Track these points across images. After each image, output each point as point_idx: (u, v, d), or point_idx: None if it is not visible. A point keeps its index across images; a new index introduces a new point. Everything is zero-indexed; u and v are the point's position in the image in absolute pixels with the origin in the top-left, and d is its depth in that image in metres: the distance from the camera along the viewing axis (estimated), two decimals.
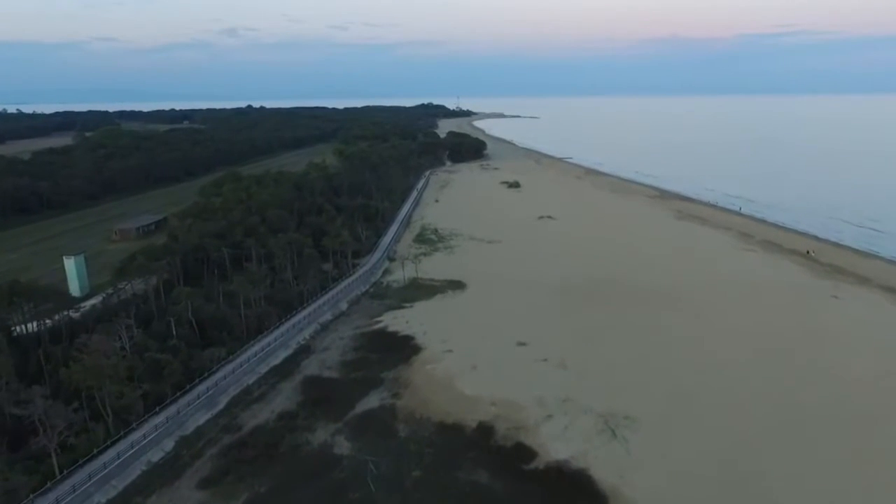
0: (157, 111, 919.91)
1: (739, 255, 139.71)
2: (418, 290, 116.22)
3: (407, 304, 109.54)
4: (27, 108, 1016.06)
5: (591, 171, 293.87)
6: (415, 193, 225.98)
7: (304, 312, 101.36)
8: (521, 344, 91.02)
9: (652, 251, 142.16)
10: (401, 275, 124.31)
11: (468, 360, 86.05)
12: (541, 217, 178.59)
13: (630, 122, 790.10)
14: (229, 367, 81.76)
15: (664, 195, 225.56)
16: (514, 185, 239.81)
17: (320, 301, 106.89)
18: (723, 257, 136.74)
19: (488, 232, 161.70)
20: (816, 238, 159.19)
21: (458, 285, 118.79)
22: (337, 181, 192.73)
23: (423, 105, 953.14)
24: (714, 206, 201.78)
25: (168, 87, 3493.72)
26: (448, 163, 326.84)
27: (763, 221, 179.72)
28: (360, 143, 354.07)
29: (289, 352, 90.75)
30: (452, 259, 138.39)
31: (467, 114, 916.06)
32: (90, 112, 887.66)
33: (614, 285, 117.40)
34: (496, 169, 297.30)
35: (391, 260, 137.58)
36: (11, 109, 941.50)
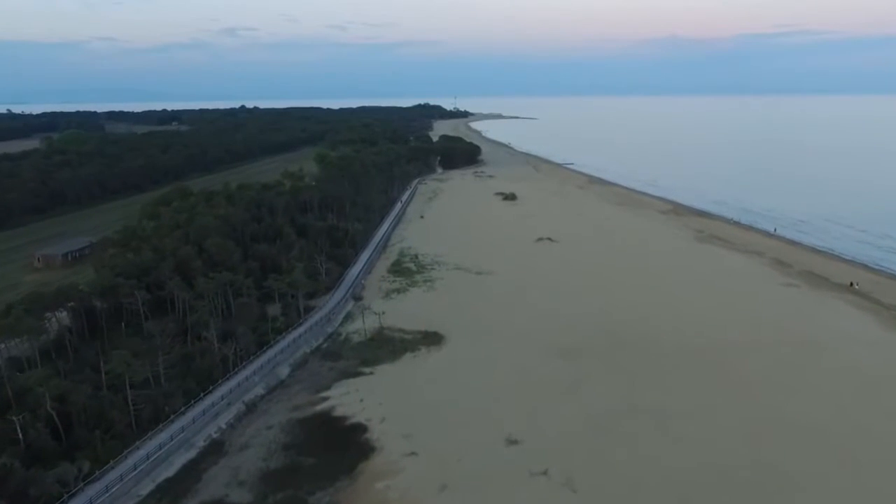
0: (148, 112, 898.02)
1: (781, 292, 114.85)
2: (383, 347, 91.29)
3: (366, 370, 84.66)
4: (26, 108, 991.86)
5: (594, 180, 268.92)
6: (398, 207, 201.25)
7: (226, 388, 76.43)
8: (512, 442, 66.19)
9: (675, 287, 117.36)
10: (366, 322, 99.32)
11: (437, 473, 61.27)
12: (539, 239, 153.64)
13: (631, 124, 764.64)
14: (91, 490, 56.92)
15: (678, 209, 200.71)
16: (510, 197, 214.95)
17: (252, 367, 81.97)
18: (763, 297, 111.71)
19: (477, 259, 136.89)
20: (866, 267, 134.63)
21: (433, 339, 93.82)
22: (307, 195, 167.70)
23: (419, 106, 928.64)
24: (738, 224, 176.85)
25: (166, 86, 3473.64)
26: (439, 170, 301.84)
27: (796, 244, 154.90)
28: (346, 148, 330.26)
29: (191, 454, 65.83)
30: (431, 298, 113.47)
31: (464, 114, 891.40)
32: (78, 113, 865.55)
33: (632, 340, 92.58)
34: (491, 177, 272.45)
35: (357, 299, 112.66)
36: (3, 109, 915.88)
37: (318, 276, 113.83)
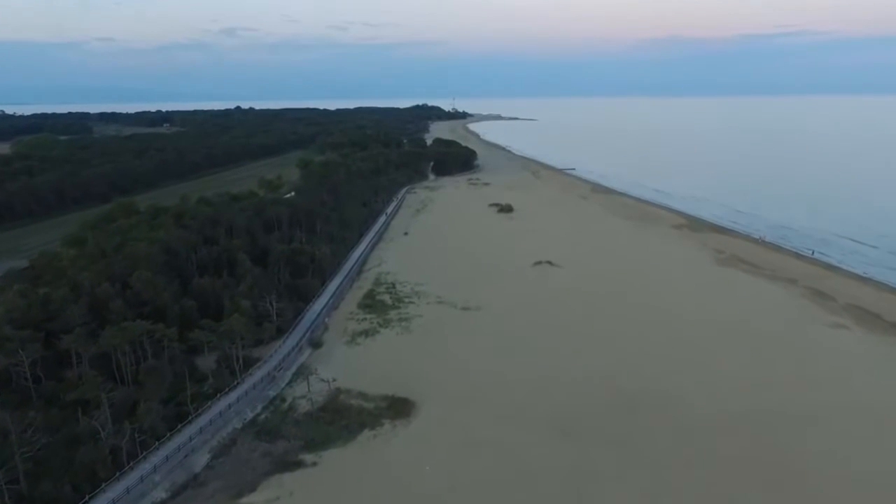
0: (140, 113, 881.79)
1: (829, 337, 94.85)
2: (335, 421, 71.22)
3: (308, 458, 64.80)
4: (21, 109, 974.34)
5: (598, 189, 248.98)
6: (382, 220, 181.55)
7: (110, 494, 56.65)
8: None
9: (698, 329, 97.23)
10: (317, 382, 79.66)
11: None
12: (538, 262, 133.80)
13: (632, 125, 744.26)
14: None
15: (692, 224, 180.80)
16: (506, 209, 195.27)
17: (154, 459, 62.16)
18: (808, 344, 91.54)
19: (465, 288, 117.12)
20: None
21: (401, 408, 73.97)
22: (274, 211, 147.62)
23: (417, 106, 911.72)
24: (762, 243, 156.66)
25: (165, 87, 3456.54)
26: (432, 176, 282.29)
27: (832, 269, 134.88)
28: (333, 153, 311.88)
29: None
30: (405, 344, 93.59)
31: (463, 116, 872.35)
32: (69, 114, 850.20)
33: (651, 406, 72.92)
34: (486, 185, 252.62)
35: (315, 346, 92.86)
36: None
37: (267, 318, 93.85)
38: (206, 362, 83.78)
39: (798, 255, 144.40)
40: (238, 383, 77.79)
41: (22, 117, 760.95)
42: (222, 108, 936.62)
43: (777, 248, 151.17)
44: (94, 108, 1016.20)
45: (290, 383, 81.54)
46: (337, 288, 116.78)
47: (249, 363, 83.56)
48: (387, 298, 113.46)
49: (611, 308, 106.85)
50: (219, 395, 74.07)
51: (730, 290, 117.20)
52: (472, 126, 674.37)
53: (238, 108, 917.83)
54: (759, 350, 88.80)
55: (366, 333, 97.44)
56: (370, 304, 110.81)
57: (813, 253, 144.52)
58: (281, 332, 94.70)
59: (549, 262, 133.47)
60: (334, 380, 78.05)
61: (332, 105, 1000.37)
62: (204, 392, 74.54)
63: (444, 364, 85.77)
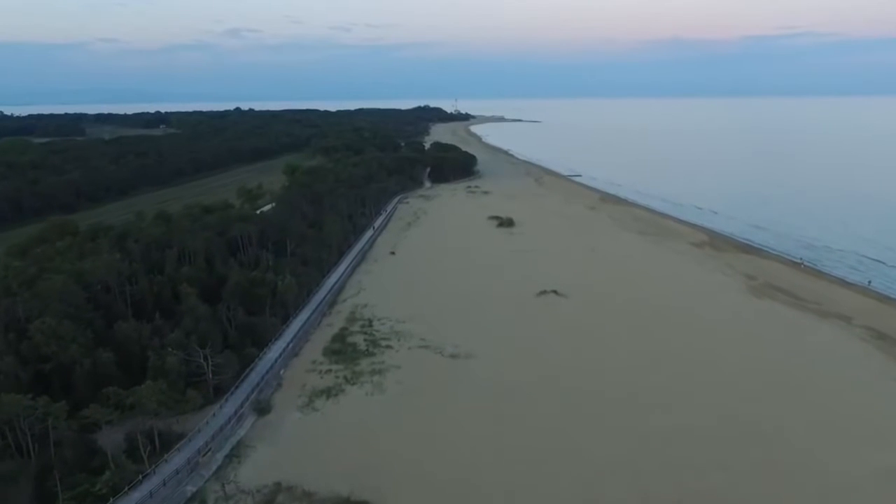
0: (139, 113, 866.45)
1: None
2: None
3: None
4: (21, 110, 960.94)
5: (606, 197, 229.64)
6: (367, 236, 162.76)
7: None
8: None
9: (745, 387, 77.98)
10: (258, 463, 60.82)
11: None
12: (542, 292, 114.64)
13: (635, 126, 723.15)
14: None
15: (714, 241, 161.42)
16: (507, 223, 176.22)
17: None
18: (888, 414, 72.45)
19: (454, 327, 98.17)
20: None
21: None
22: (240, 229, 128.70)
23: (419, 108, 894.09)
24: (800, 266, 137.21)
25: (169, 88, 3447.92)
26: (427, 183, 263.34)
27: (887, 300, 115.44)
28: (325, 157, 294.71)
29: None
30: (373, 411, 74.39)
31: (465, 117, 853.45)
32: (65, 115, 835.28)
33: None
34: (486, 193, 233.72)
35: (261, 412, 73.87)
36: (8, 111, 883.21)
37: (200, 378, 74.89)
38: (115, 438, 64.90)
39: (844, 283, 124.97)
40: (146, 475, 58.89)
41: (16, 118, 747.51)
42: (227, 108, 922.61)
43: (818, 274, 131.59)
44: (96, 110, 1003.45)
45: (218, 471, 62.52)
46: (301, 327, 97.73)
47: (169, 442, 64.76)
48: (360, 341, 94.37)
49: (629, 358, 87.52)
50: (113, 499, 55.15)
51: (772, 330, 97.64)
52: (474, 128, 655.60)
53: (237, 108, 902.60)
54: (829, 424, 69.46)
55: (328, 393, 78.33)
56: (339, 348, 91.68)
57: (870, 283, 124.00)
58: (220, 391, 75.92)
59: (555, 292, 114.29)
60: (258, 491, 58.61)
61: (334, 106, 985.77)
62: (94, 493, 55.69)
63: (419, 443, 66.68)
